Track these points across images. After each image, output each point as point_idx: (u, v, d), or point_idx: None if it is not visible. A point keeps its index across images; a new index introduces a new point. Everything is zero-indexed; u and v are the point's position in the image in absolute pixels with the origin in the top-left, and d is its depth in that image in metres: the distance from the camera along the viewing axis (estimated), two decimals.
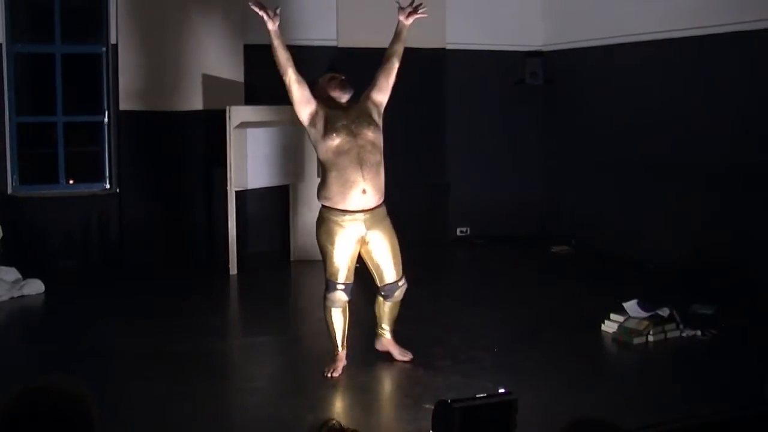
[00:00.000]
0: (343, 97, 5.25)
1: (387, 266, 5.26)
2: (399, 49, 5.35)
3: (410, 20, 5.35)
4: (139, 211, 8.40)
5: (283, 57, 5.14)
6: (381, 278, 5.30)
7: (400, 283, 5.32)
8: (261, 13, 5.08)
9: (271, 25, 5.12)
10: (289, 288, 7.87)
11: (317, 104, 5.19)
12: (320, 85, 5.32)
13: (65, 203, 8.32)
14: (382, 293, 5.35)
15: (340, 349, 5.27)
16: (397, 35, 5.39)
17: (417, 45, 8.98)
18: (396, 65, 5.33)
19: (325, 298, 5.23)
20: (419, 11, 5.36)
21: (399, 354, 5.44)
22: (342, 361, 5.26)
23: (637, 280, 7.53)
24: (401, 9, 5.38)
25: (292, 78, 5.13)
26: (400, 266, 5.32)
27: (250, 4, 5.13)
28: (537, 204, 9.79)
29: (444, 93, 9.48)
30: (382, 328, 5.46)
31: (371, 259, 5.26)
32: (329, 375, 5.17)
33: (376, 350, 5.53)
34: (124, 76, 8.27)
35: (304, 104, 5.16)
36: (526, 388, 4.57)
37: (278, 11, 5.14)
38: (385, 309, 5.41)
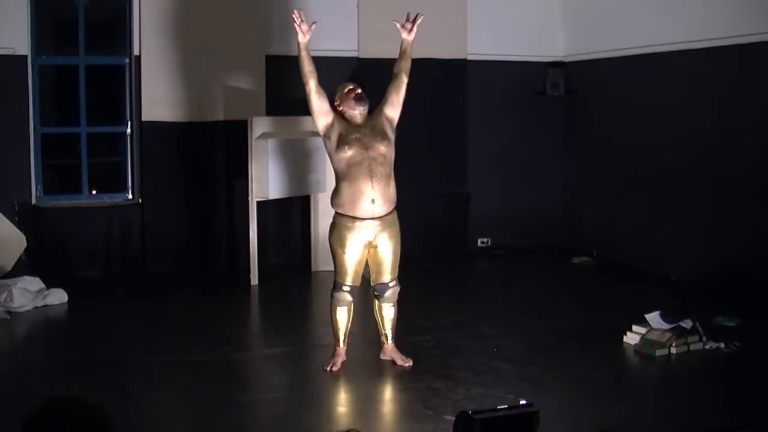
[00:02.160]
0: (358, 109, 5.42)
1: (385, 268, 5.49)
2: (406, 65, 5.57)
3: (413, 35, 5.56)
4: (161, 221, 8.44)
5: (306, 68, 5.35)
6: (376, 277, 5.54)
7: (391, 284, 5.53)
8: (298, 24, 5.32)
9: (302, 38, 5.35)
10: (309, 298, 7.87)
11: (334, 117, 5.40)
12: (337, 96, 5.47)
13: (88, 213, 8.38)
14: (375, 292, 5.59)
15: (341, 344, 5.52)
16: (403, 52, 5.60)
17: (438, 56, 9.07)
18: (405, 80, 5.53)
19: (331, 296, 5.50)
20: (417, 21, 5.54)
21: (401, 360, 5.57)
22: (341, 356, 5.50)
23: (659, 291, 7.49)
24: (402, 27, 5.56)
25: (312, 89, 5.35)
26: (397, 271, 5.55)
27: (293, 13, 5.36)
28: (558, 215, 9.76)
29: (465, 103, 9.49)
30: (385, 336, 5.62)
31: (373, 259, 5.49)
32: (328, 369, 5.41)
33: (382, 360, 5.63)
34: (147, 87, 8.34)
35: (321, 115, 5.39)
36: (547, 400, 4.56)
37: (313, 27, 5.37)
38: (382, 313, 5.59)
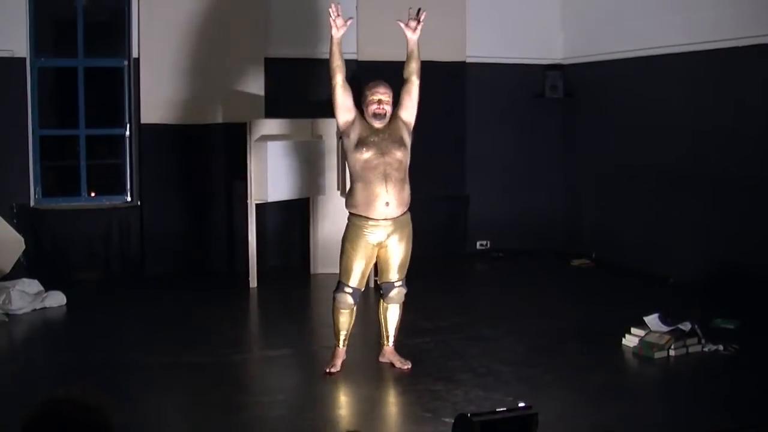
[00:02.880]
0: (374, 123, 5.39)
1: (393, 267, 5.48)
2: (416, 67, 5.52)
3: (417, 33, 5.50)
4: (160, 223, 8.44)
5: (335, 63, 5.39)
6: (383, 276, 5.53)
7: (397, 284, 5.51)
8: (333, 18, 5.36)
9: (335, 32, 5.38)
10: (308, 301, 7.86)
11: (356, 115, 5.40)
12: (363, 96, 5.42)
13: (87, 216, 8.37)
14: (381, 291, 5.58)
15: (340, 345, 5.51)
16: (410, 54, 5.54)
17: (437, 58, 9.07)
18: (417, 83, 5.49)
19: (333, 298, 5.46)
20: (421, 17, 5.50)
21: (399, 362, 5.57)
22: (341, 357, 5.51)
23: (658, 293, 7.49)
24: (406, 26, 5.52)
25: (338, 83, 5.37)
26: (405, 272, 5.53)
27: (330, 7, 5.39)
28: (557, 217, 9.76)
29: (464, 106, 9.50)
30: (386, 338, 5.62)
31: (383, 257, 5.47)
32: (328, 372, 5.42)
33: (381, 362, 5.64)
34: (146, 89, 8.33)
35: (344, 111, 5.40)
36: (546, 402, 4.56)
37: (349, 22, 5.42)
38: (387, 314, 5.59)
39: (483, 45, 9.43)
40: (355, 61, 8.92)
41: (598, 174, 9.30)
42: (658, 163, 8.26)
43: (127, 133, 8.56)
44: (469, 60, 9.44)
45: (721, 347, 5.84)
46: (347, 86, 5.38)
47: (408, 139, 5.44)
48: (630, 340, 5.90)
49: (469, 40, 9.43)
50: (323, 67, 5.46)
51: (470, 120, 9.53)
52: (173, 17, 8.34)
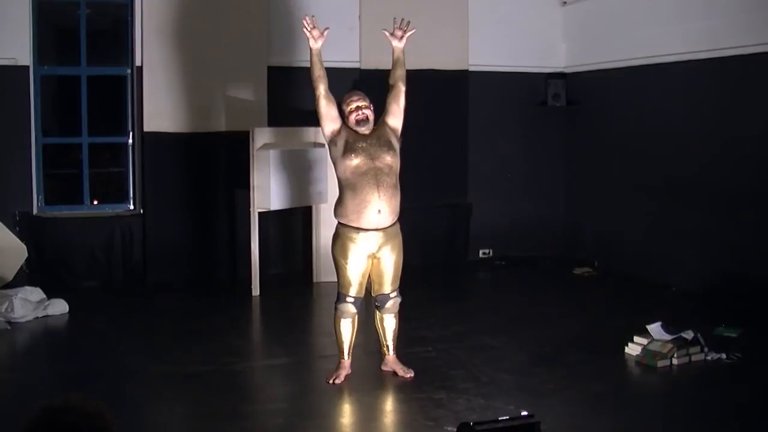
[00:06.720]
0: (359, 129, 5.39)
1: (387, 279, 5.47)
2: (401, 73, 5.56)
3: (403, 42, 5.57)
4: (163, 231, 8.44)
5: (316, 73, 5.38)
6: (378, 288, 5.52)
7: (392, 295, 5.51)
8: (309, 31, 5.36)
9: (313, 44, 5.38)
10: (310, 309, 7.87)
11: (342, 124, 5.38)
12: (343, 106, 5.44)
13: (89, 224, 8.38)
14: (376, 303, 5.58)
15: (345, 357, 5.49)
16: (396, 61, 5.59)
17: (440, 66, 9.10)
18: (403, 89, 5.52)
19: (335, 308, 5.47)
20: (408, 30, 5.56)
21: (402, 371, 5.57)
22: (345, 369, 5.48)
23: (661, 302, 7.48)
24: (391, 35, 5.58)
25: (321, 94, 5.36)
26: (398, 282, 5.53)
27: (304, 20, 5.40)
28: (559, 226, 9.76)
29: (466, 114, 9.50)
30: (386, 347, 5.61)
31: (375, 270, 5.46)
32: (331, 381, 5.40)
33: (383, 371, 5.63)
34: (149, 97, 8.35)
35: (329, 121, 5.38)
36: (548, 411, 4.56)
37: (326, 33, 5.41)
38: (384, 324, 5.58)
39: (485, 53, 9.44)
40: (358, 70, 8.94)
41: (600, 182, 9.30)
42: (659, 172, 8.25)
43: (130, 141, 8.57)
44: (471, 68, 9.45)
45: (723, 356, 5.83)
46: (330, 96, 5.38)
47: (396, 145, 5.43)
48: (632, 349, 5.89)
49: (471, 48, 9.44)
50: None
51: (472, 128, 9.54)
52: (176, 25, 8.36)
